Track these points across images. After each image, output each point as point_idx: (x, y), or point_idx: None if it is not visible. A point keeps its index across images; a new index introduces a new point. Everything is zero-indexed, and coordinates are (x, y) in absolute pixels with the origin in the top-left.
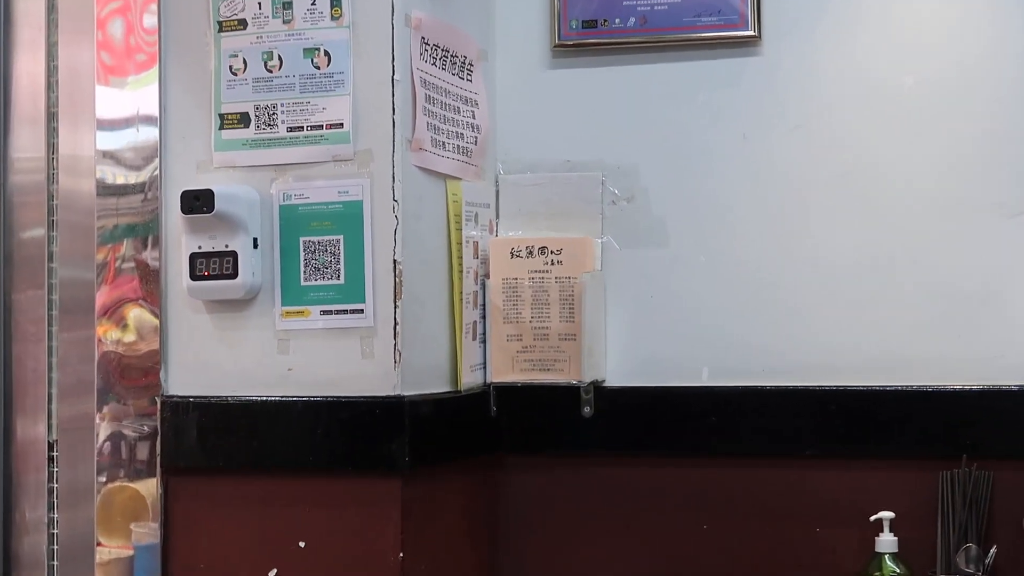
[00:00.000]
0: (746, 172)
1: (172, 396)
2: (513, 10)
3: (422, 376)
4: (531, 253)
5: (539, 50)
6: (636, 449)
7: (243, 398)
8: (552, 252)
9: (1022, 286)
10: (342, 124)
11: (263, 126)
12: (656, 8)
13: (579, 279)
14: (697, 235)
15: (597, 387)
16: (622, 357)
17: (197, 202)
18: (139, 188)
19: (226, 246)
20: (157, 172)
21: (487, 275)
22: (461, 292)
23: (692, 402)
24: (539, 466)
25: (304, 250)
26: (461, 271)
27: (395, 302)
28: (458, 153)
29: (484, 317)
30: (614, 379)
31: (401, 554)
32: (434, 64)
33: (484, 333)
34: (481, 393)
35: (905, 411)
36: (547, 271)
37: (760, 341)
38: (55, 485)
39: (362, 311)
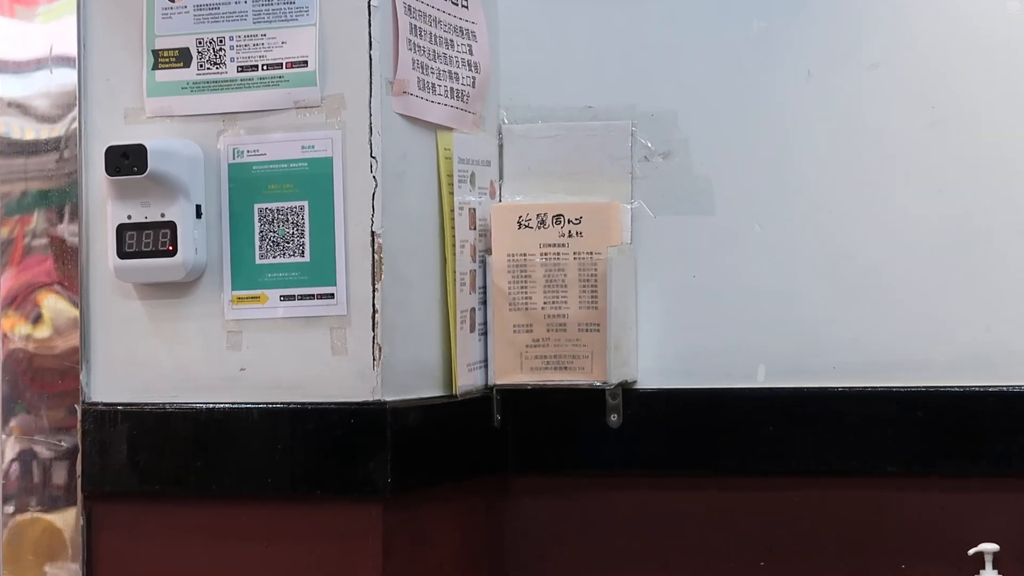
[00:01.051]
0: (812, 120)
1: (96, 404)
2: None
3: (408, 377)
4: (543, 223)
5: None
6: (675, 467)
7: (184, 405)
8: (570, 221)
9: None
10: (306, 62)
11: (207, 65)
12: None
13: (604, 255)
14: (751, 199)
15: (627, 390)
16: (658, 352)
17: (126, 161)
18: (53, 145)
19: (162, 216)
20: (76, 125)
21: (488, 251)
22: (455, 272)
23: (745, 408)
24: (554, 488)
25: (260, 220)
26: (455, 246)
27: (374, 284)
28: (452, 97)
29: (485, 303)
30: (648, 380)
31: None
32: None
33: (485, 323)
34: (482, 398)
35: (1012, 417)
36: (564, 245)
37: (830, 331)
38: None
39: (332, 296)
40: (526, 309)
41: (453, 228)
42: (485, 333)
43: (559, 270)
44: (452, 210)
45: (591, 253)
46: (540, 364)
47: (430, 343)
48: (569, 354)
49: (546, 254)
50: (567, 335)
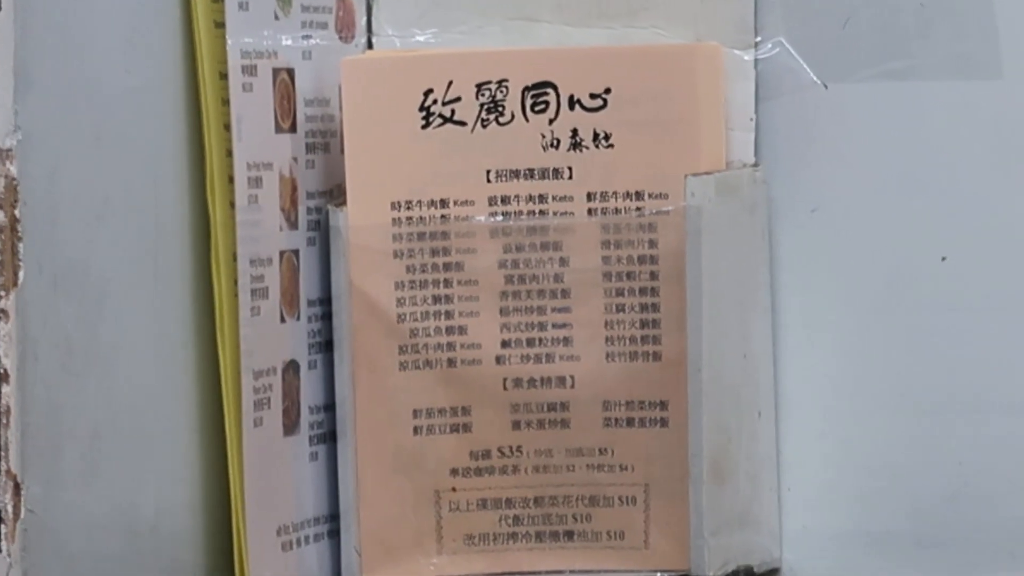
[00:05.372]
0: None
1: None
2: None
3: (102, 571)
4: (497, 109)
5: None
6: None
7: None
8: (580, 105)
9: None
10: None
11: None
12: None
13: (674, 203)
14: None
15: None
16: (841, 476)
17: None
18: None
19: None
20: None
21: (336, 193)
22: (237, 257)
23: None
24: None
25: None
26: (233, 181)
27: None
28: None
29: (328, 347)
30: (811, 560)
31: None
32: None
33: (329, 408)
34: None
35: None
36: (560, 174)
37: None
38: None
39: None
40: (448, 365)
41: (227, 131)
42: (330, 436)
43: (548, 249)
44: (224, 79)
45: (638, 195)
46: (497, 525)
47: (169, 467)
48: (580, 494)
49: (514, 201)
50: (572, 436)
